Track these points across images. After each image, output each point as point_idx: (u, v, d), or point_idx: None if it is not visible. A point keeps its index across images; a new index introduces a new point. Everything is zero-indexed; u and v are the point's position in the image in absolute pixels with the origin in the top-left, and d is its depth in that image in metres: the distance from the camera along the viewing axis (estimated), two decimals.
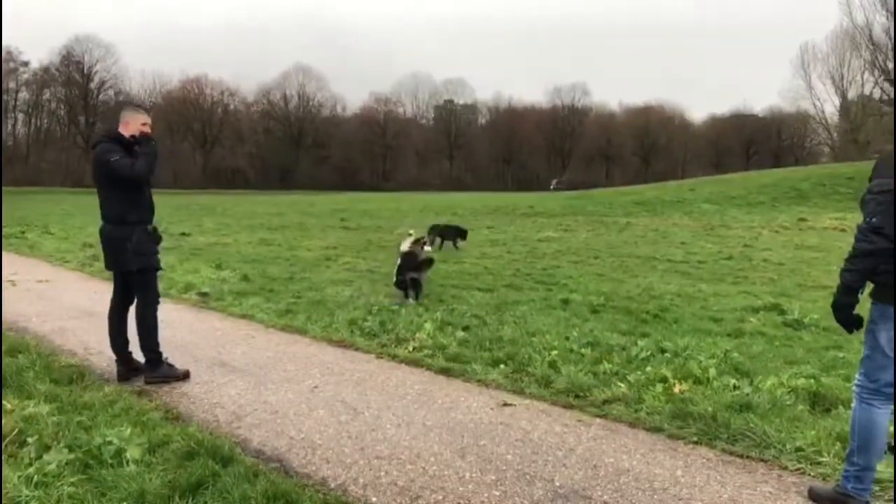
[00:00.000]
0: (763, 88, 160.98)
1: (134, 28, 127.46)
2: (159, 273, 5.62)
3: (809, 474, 3.73)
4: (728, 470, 3.80)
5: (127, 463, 3.65)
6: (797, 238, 20.83)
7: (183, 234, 20.27)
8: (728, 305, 9.35)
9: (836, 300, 3.25)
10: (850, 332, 3.32)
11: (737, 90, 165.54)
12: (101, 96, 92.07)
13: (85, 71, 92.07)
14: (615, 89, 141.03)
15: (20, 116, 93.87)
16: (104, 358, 5.78)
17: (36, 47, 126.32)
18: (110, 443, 3.79)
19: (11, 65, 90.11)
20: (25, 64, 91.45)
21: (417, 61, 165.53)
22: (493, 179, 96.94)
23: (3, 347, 6.00)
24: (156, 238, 5.45)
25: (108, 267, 5.58)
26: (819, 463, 3.82)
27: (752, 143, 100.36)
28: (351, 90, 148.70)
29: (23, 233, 19.77)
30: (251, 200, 47.68)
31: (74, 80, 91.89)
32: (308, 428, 4.39)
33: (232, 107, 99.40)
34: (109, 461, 3.66)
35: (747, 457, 3.96)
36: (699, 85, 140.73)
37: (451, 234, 17.27)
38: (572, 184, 73.72)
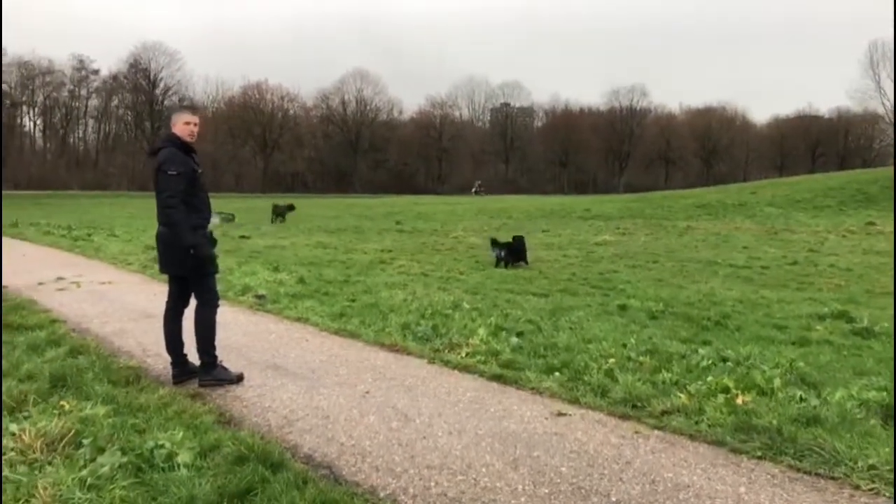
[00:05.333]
0: (829, 89, 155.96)
1: (198, 34, 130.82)
2: (217, 275, 5.65)
3: (884, 495, 3.50)
4: (795, 487, 3.60)
5: (178, 467, 3.65)
6: (865, 243, 20.09)
7: (242, 236, 20.62)
8: (793, 312, 9.04)
9: None
10: None
11: (802, 91, 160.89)
12: (165, 102, 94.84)
13: (151, 77, 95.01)
14: (675, 91, 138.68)
15: (90, 122, 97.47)
16: (161, 360, 5.85)
17: (106, 56, 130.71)
18: (162, 446, 3.80)
19: (83, 73, 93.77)
20: (96, 72, 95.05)
21: (474, 64, 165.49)
22: (549, 182, 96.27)
23: (66, 348, 6.14)
24: (212, 241, 5.50)
25: (162, 270, 5.62)
26: None
27: (818, 144, 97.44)
28: (407, 94, 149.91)
29: (89, 235, 20.39)
30: (309, 204, 48.30)
31: (141, 87, 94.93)
32: (359, 434, 4.34)
33: (291, 112, 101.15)
34: (161, 465, 3.67)
35: (816, 474, 3.73)
36: (762, 86, 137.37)
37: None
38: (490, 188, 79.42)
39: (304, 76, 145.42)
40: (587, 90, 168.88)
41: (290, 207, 30.42)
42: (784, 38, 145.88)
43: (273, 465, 3.69)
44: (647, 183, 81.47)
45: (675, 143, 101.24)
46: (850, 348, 6.94)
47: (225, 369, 5.49)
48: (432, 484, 3.63)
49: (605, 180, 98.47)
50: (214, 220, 19.18)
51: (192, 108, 5.89)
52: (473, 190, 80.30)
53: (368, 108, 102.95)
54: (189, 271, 5.36)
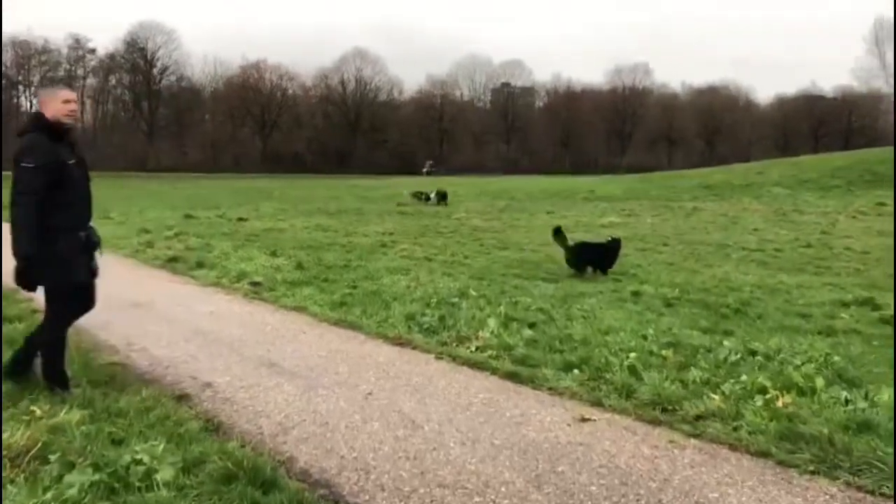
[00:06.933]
0: (833, 68, 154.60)
1: (195, 13, 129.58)
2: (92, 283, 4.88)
3: None
4: None
5: (157, 486, 3.22)
6: (878, 224, 19.59)
7: (240, 219, 20.15)
8: (815, 299, 8.63)
9: None
10: None
11: (805, 70, 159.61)
12: (163, 82, 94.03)
13: (148, 57, 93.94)
14: (678, 70, 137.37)
15: (87, 103, 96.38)
16: (146, 355, 5.43)
17: (102, 35, 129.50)
18: (140, 461, 3.36)
19: (79, 52, 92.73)
20: (92, 51, 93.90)
21: (475, 44, 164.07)
22: (551, 162, 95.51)
23: None
24: (92, 244, 4.72)
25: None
26: None
27: (822, 124, 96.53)
28: (408, 73, 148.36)
29: None
30: (309, 185, 47.70)
31: (138, 67, 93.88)
32: (361, 445, 3.89)
33: (290, 91, 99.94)
34: (137, 484, 3.23)
35: (880, 494, 3.29)
36: (765, 65, 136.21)
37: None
38: (441, 168, 76.98)
39: (302, 56, 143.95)
40: (589, 69, 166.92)
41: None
42: (786, 17, 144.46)
43: (264, 484, 3.27)
44: (649, 163, 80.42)
45: (677, 123, 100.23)
46: (881, 338, 6.55)
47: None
48: None
49: (607, 160, 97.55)
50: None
51: (69, 84, 5.01)
52: (424, 170, 77.07)
53: (368, 87, 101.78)
54: (50, 283, 4.60)
